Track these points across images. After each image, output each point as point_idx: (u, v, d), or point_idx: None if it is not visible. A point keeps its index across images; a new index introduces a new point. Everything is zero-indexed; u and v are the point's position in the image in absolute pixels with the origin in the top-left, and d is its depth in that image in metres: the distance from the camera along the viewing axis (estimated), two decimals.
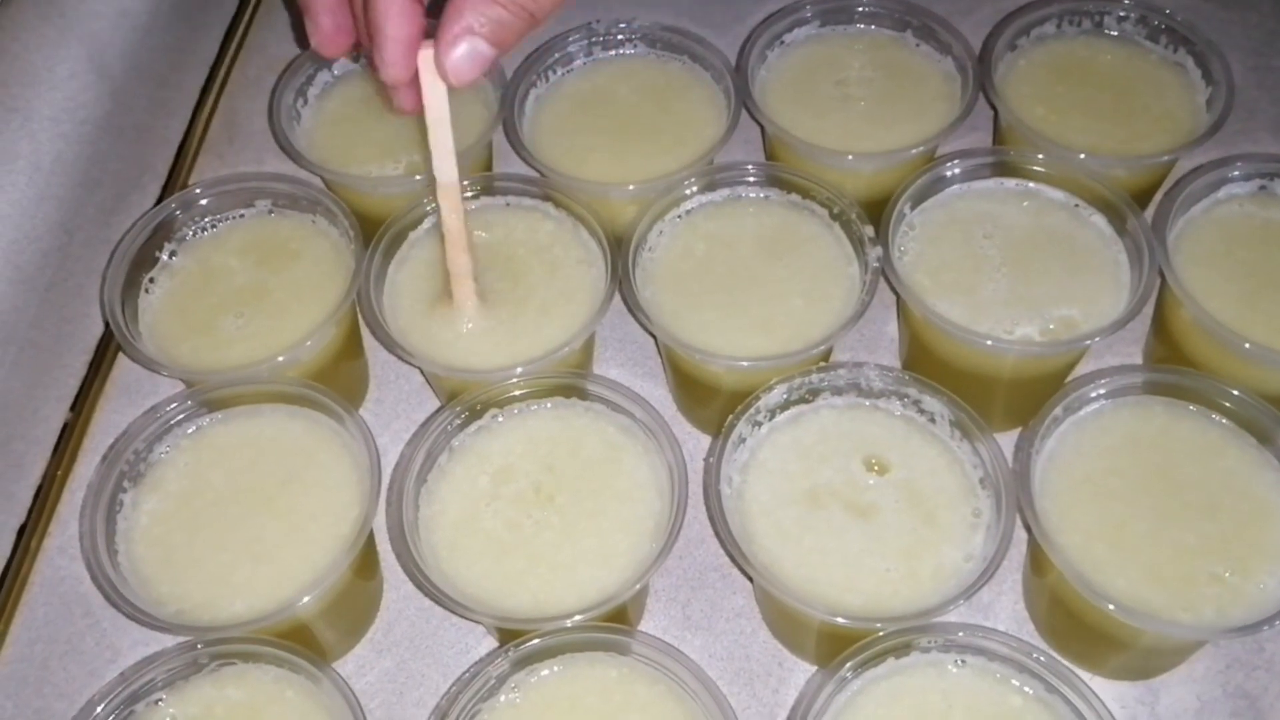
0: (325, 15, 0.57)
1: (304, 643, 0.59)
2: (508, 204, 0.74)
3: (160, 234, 0.72)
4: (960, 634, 0.57)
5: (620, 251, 0.70)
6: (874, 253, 0.68)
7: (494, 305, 0.69)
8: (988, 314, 0.68)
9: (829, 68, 0.81)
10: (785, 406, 0.65)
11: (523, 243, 0.72)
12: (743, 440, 0.64)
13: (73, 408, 0.74)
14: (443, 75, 0.52)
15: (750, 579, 0.66)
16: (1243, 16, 0.92)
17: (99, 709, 0.56)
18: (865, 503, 0.62)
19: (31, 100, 0.73)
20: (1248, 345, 0.64)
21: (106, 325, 0.76)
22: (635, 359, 0.77)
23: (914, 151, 0.74)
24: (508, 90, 0.78)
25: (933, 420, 0.64)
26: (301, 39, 0.93)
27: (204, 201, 0.74)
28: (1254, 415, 0.62)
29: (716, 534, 0.64)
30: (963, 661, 0.57)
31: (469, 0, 0.52)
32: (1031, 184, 0.73)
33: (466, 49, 0.51)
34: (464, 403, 0.65)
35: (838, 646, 0.57)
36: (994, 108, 0.79)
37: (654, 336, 0.73)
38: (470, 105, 0.79)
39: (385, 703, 0.64)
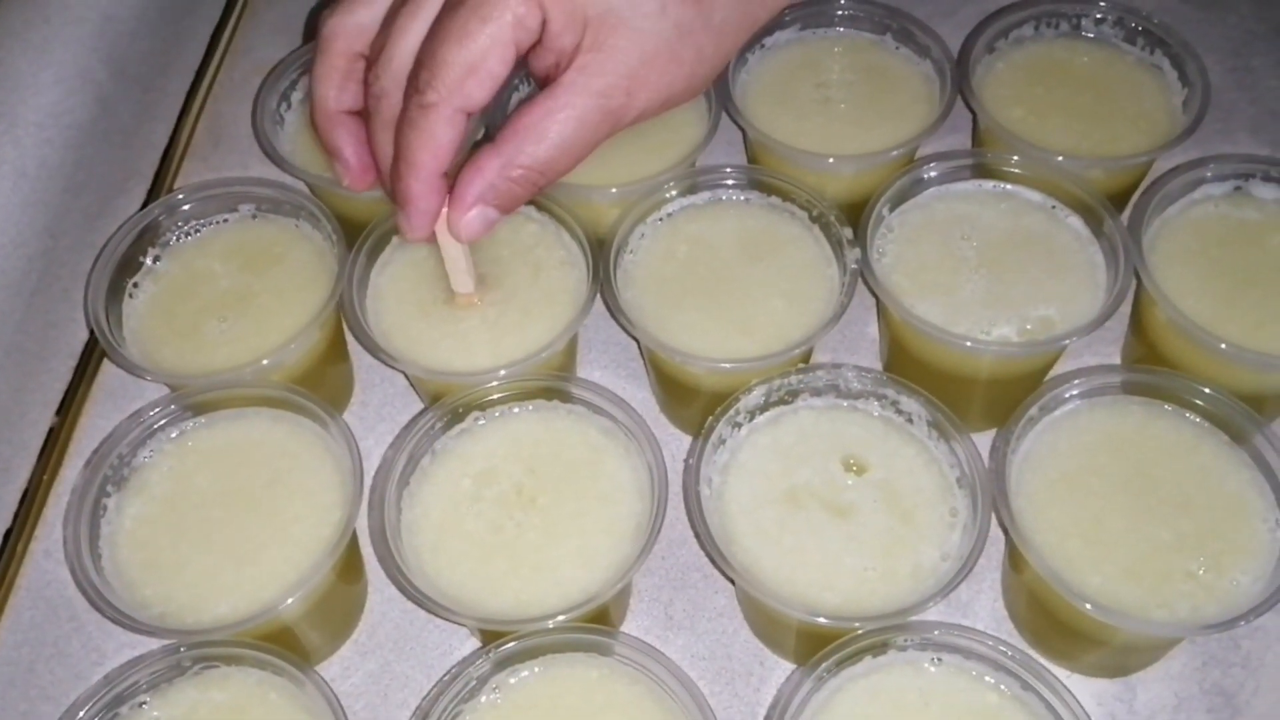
0: (352, 156, 0.63)
1: (288, 645, 0.60)
2: None
3: (144, 239, 0.73)
4: (936, 632, 0.57)
5: (602, 254, 0.70)
6: (852, 254, 0.69)
7: (480, 302, 0.70)
8: (966, 315, 0.68)
9: (809, 71, 0.82)
10: (765, 408, 0.66)
11: (506, 244, 0.73)
12: (722, 441, 0.64)
13: (58, 412, 0.75)
14: (455, 235, 0.59)
15: (731, 580, 0.66)
16: (1221, 18, 0.93)
17: (83, 712, 0.56)
18: (844, 503, 0.63)
19: (16, 106, 0.74)
20: (1223, 345, 0.65)
21: (91, 330, 0.76)
22: (618, 361, 0.78)
23: (893, 154, 0.75)
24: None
25: (910, 420, 0.65)
26: (288, 41, 0.94)
27: (188, 206, 0.74)
28: (1228, 414, 0.63)
29: (696, 535, 0.64)
30: (939, 659, 0.58)
31: (483, 171, 0.56)
32: (1009, 185, 0.74)
33: (477, 214, 0.58)
34: (446, 405, 0.65)
35: (817, 645, 0.57)
36: (972, 110, 0.79)
37: (636, 339, 0.74)
38: None
39: (369, 705, 0.65)
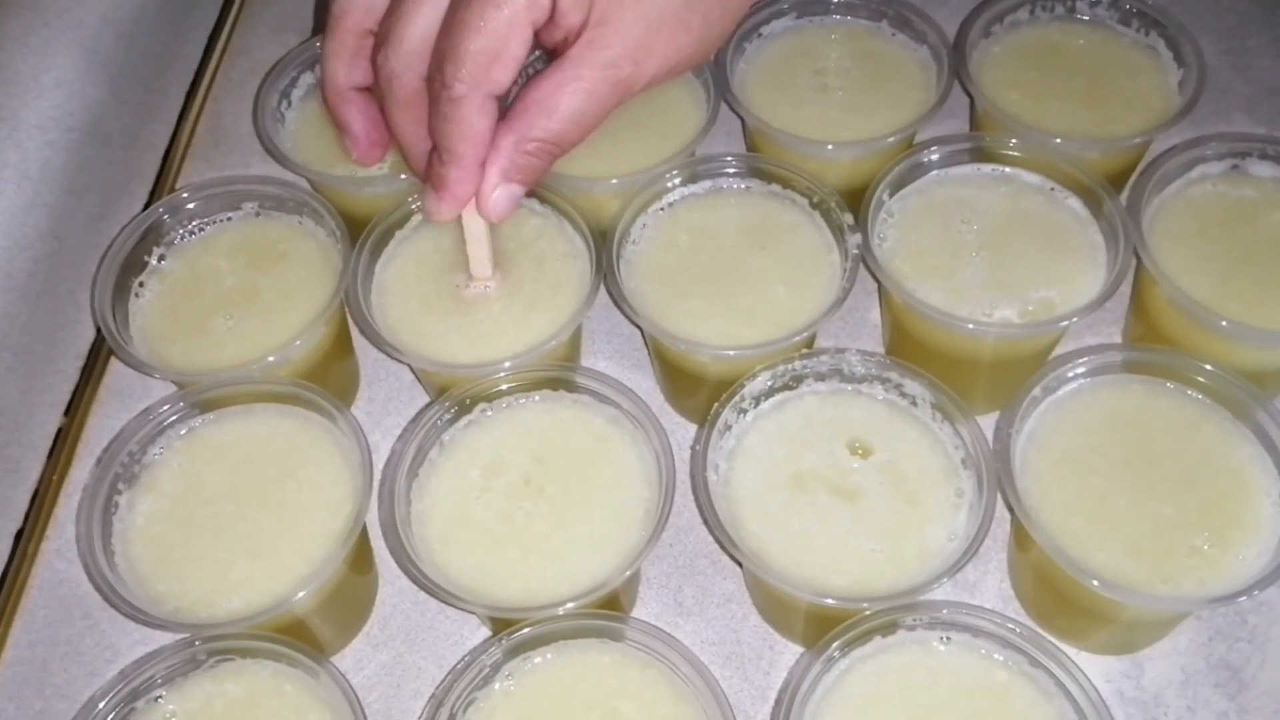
0: (361, 132, 0.66)
1: (301, 638, 0.60)
2: None
3: (149, 238, 0.73)
4: (945, 611, 0.58)
5: (605, 245, 0.71)
6: (853, 240, 0.69)
7: (485, 294, 0.70)
8: (967, 298, 0.69)
9: (806, 59, 0.82)
10: (769, 393, 0.66)
11: (509, 237, 0.73)
12: (728, 428, 0.65)
13: (67, 412, 0.75)
14: (485, 215, 0.61)
15: (739, 564, 0.67)
16: None
17: (100, 706, 0.57)
18: (850, 486, 0.63)
19: (18, 109, 0.74)
20: (1224, 322, 0.65)
21: (98, 330, 0.77)
22: (622, 351, 0.78)
23: (891, 140, 0.75)
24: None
25: (914, 403, 0.65)
26: (285, 40, 0.94)
27: (191, 205, 0.74)
28: (1230, 390, 0.63)
29: (705, 521, 0.64)
30: (948, 638, 0.58)
31: (499, 149, 0.58)
32: (1007, 169, 0.74)
33: (503, 193, 0.59)
34: (453, 397, 0.66)
35: (826, 627, 0.58)
36: (970, 94, 0.80)
37: (640, 328, 0.74)
38: None
39: (383, 695, 0.65)
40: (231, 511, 0.63)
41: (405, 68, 0.58)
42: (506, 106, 0.58)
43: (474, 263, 0.68)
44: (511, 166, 0.58)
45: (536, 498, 0.63)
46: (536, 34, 0.56)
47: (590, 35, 0.55)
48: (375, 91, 0.62)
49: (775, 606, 0.66)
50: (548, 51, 0.58)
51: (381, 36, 0.59)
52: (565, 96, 0.56)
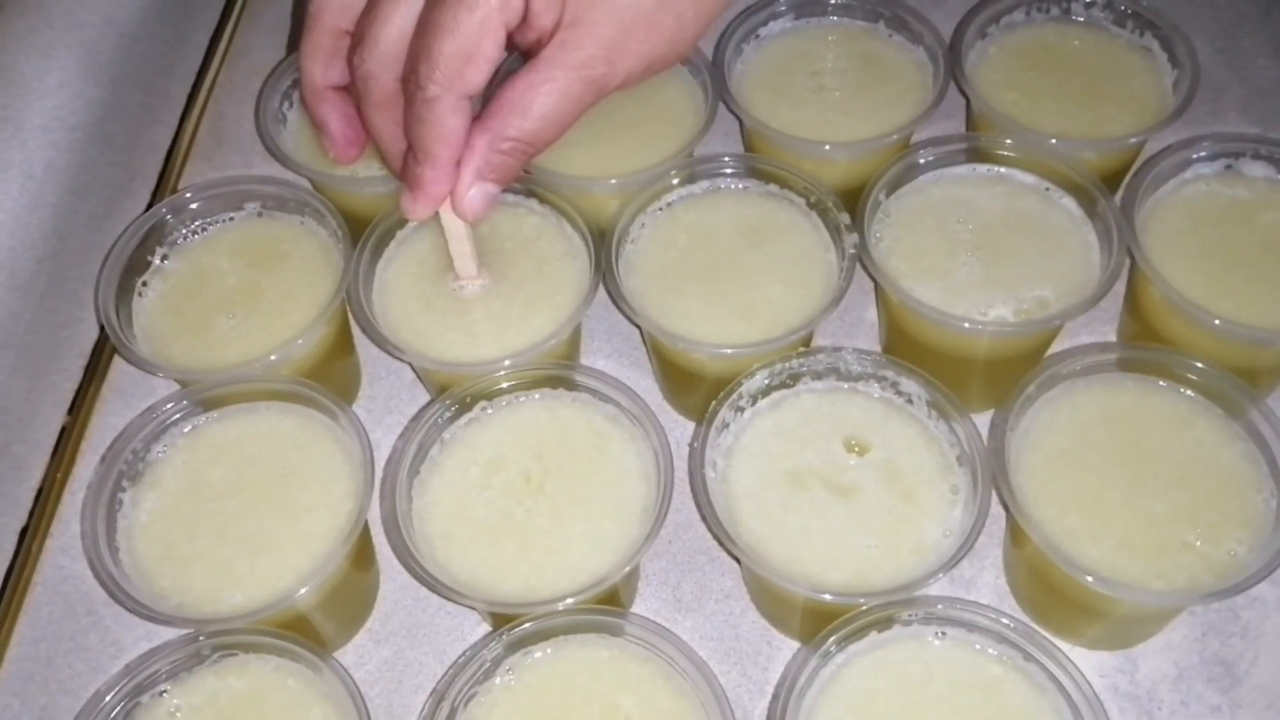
0: (338, 130, 0.66)
1: (304, 633, 0.61)
2: None
3: (152, 238, 0.74)
4: (940, 607, 0.58)
5: (604, 244, 0.71)
6: (850, 239, 0.70)
7: (484, 293, 0.71)
8: (963, 297, 0.69)
9: (804, 60, 0.83)
10: (767, 391, 0.67)
11: (508, 237, 0.74)
12: (726, 425, 0.65)
13: (70, 411, 0.76)
14: (460, 214, 0.61)
15: (737, 560, 0.68)
16: None
17: (105, 701, 0.57)
18: (846, 483, 0.64)
19: (22, 110, 0.75)
20: (1217, 321, 0.66)
21: (101, 329, 0.77)
22: (621, 349, 0.79)
23: (888, 140, 0.76)
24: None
25: (910, 401, 0.66)
26: (285, 43, 0.95)
27: (194, 205, 0.75)
28: (1223, 388, 0.64)
29: (703, 517, 0.65)
30: (943, 633, 0.59)
31: (473, 148, 0.58)
32: (1003, 169, 0.75)
33: (477, 192, 0.59)
34: (454, 396, 0.66)
35: (823, 623, 0.58)
36: (966, 95, 0.80)
37: (639, 327, 0.75)
38: None
39: (385, 690, 0.66)
40: (234, 508, 0.64)
41: (381, 68, 0.59)
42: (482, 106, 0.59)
43: (458, 261, 0.68)
44: (486, 166, 0.58)
45: (536, 495, 0.64)
46: (510, 35, 0.57)
47: (563, 36, 0.56)
48: (352, 91, 0.62)
49: (773, 602, 0.66)
50: (522, 52, 0.59)
51: (358, 37, 0.59)
52: (539, 96, 0.56)
